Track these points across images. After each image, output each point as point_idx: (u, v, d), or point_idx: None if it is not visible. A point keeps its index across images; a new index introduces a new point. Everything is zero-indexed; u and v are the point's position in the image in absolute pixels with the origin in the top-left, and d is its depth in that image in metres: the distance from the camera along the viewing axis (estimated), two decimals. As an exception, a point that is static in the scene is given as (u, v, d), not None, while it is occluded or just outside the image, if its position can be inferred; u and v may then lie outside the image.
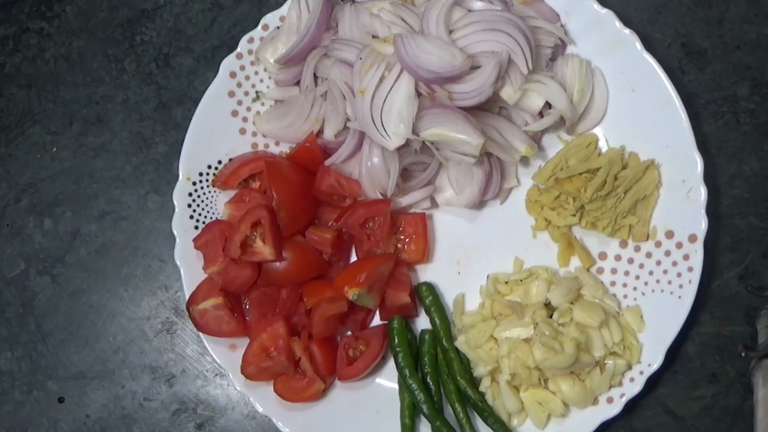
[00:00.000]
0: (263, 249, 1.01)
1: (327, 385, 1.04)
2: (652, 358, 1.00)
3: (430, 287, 1.06)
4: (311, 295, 1.02)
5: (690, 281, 1.00)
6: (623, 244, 1.04)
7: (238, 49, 1.10)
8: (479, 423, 1.02)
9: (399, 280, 1.05)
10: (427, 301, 1.05)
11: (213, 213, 1.10)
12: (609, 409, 1.00)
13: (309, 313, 1.03)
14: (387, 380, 1.06)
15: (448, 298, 1.07)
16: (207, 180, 1.09)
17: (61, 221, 1.17)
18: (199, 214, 1.09)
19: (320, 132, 1.08)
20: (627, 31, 1.04)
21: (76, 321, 1.15)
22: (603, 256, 1.05)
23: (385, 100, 0.98)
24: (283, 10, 1.10)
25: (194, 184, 1.09)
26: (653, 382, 1.01)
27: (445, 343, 1.04)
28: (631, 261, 1.04)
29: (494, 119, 1.04)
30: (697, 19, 1.12)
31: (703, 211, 1.00)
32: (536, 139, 1.07)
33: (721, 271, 1.06)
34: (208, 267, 1.05)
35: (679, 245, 1.01)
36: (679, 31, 1.12)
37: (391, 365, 1.05)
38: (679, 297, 1.00)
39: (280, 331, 1.03)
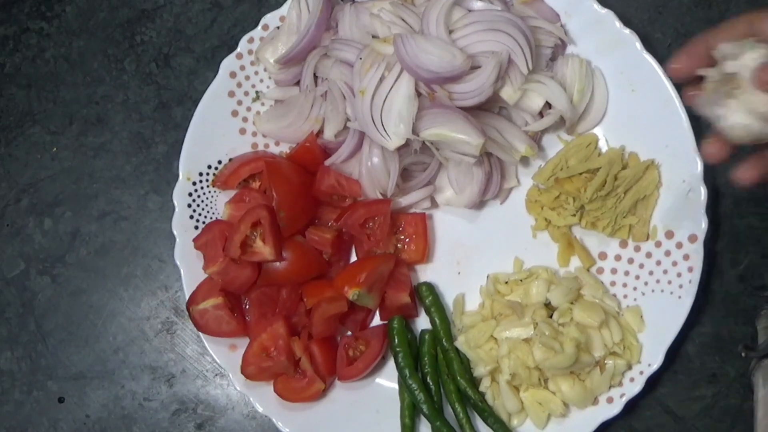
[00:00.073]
0: (263, 249, 1.01)
1: (327, 385, 1.04)
2: (652, 358, 1.00)
3: (430, 287, 1.06)
4: (311, 295, 1.02)
5: (690, 281, 1.00)
6: (623, 244, 1.04)
7: (238, 49, 1.10)
8: (479, 423, 1.02)
9: (399, 280, 1.05)
10: (427, 301, 1.05)
11: (213, 213, 1.10)
12: (609, 409, 1.00)
13: (309, 313, 1.03)
14: (387, 380, 1.06)
15: (448, 298, 1.07)
16: (207, 180, 1.10)
17: (61, 221, 1.17)
18: (199, 214, 1.09)
19: (320, 132, 1.08)
20: (627, 31, 1.04)
21: (76, 321, 1.15)
22: (603, 256, 1.05)
23: (385, 100, 0.98)
24: (283, 10, 1.10)
25: (194, 184, 1.09)
26: (653, 382, 1.01)
27: (445, 343, 1.04)
28: (631, 261, 1.04)
29: (494, 119, 1.04)
30: (698, 19, 1.12)
31: (703, 211, 1.00)
32: (536, 139, 1.07)
33: (721, 271, 1.06)
34: (208, 267, 1.05)
35: (679, 245, 1.01)
36: (679, 31, 1.12)
37: (391, 365, 1.05)
38: (679, 297, 1.00)
39: (280, 331, 1.03)
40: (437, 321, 1.05)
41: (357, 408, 1.05)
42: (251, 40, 1.10)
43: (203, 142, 1.10)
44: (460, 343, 1.02)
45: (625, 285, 1.03)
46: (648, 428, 1.05)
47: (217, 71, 1.10)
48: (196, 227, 1.08)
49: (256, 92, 1.11)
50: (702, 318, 1.05)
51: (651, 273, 1.02)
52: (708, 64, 0.71)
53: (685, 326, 1.00)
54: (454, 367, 1.02)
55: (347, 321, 1.06)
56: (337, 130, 1.06)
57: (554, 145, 1.08)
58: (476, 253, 1.08)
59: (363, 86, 0.99)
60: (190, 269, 1.07)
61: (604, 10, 1.04)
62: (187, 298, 1.06)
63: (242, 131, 1.11)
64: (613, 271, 1.04)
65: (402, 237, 1.07)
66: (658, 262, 1.02)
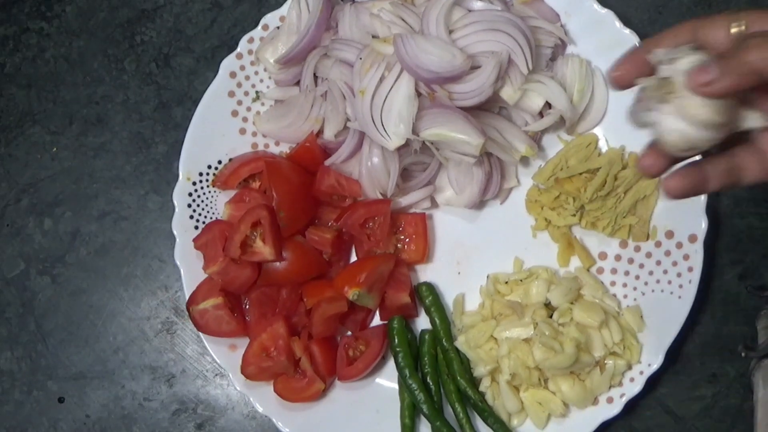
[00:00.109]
0: (263, 249, 1.01)
1: (327, 385, 1.04)
2: (652, 358, 1.00)
3: (430, 287, 1.06)
4: (311, 295, 1.02)
5: (690, 281, 1.00)
6: (623, 244, 1.04)
7: (238, 49, 1.10)
8: (479, 423, 1.02)
9: (399, 280, 1.05)
10: (427, 301, 1.05)
11: (213, 213, 1.10)
12: (609, 409, 1.00)
13: (309, 313, 1.03)
14: (387, 380, 1.06)
15: (448, 298, 1.07)
16: (207, 180, 1.09)
17: (61, 221, 1.17)
18: (199, 214, 1.09)
19: (320, 132, 1.08)
20: (627, 31, 1.04)
21: (76, 321, 1.15)
22: (603, 256, 1.05)
23: (385, 100, 0.98)
24: (283, 10, 1.10)
25: (194, 184, 1.09)
26: (653, 382, 1.01)
27: (445, 343, 1.04)
28: (631, 261, 1.04)
29: (494, 119, 1.04)
30: (697, 19, 1.12)
31: (703, 211, 1.00)
32: (536, 139, 1.07)
33: (721, 271, 1.06)
34: (208, 267, 1.05)
35: (679, 245, 1.01)
36: (679, 31, 1.12)
37: (391, 365, 1.05)
38: (679, 297, 1.00)
39: (280, 331, 1.03)
40: (437, 321, 1.05)
41: (357, 408, 1.05)
42: (251, 40, 1.10)
43: (203, 142, 1.10)
44: (460, 343, 1.02)
45: (625, 285, 1.03)
46: (648, 428, 1.05)
47: (217, 71, 1.10)
48: (196, 227, 1.08)
49: (256, 92, 1.11)
50: (702, 318, 1.05)
51: (651, 273, 1.02)
52: (650, 72, 0.68)
53: (685, 326, 1.00)
54: (454, 367, 1.02)
55: (347, 321, 1.06)
56: (337, 130, 1.06)
57: (554, 145, 1.08)
58: (476, 253, 1.08)
59: (363, 86, 0.99)
60: (190, 269, 1.07)
61: (604, 10, 1.04)
62: (187, 298, 1.06)
63: (242, 131, 1.11)
64: (613, 271, 1.04)
65: (402, 237, 1.07)
66: (658, 262, 1.02)
